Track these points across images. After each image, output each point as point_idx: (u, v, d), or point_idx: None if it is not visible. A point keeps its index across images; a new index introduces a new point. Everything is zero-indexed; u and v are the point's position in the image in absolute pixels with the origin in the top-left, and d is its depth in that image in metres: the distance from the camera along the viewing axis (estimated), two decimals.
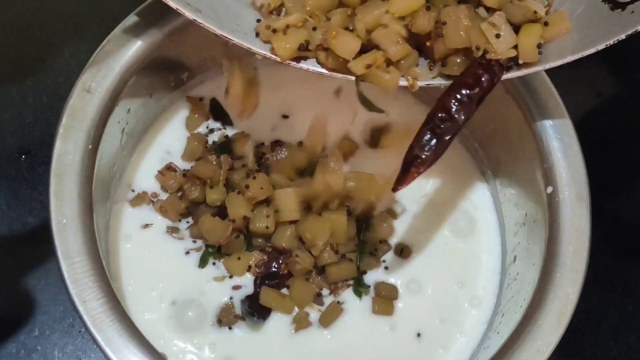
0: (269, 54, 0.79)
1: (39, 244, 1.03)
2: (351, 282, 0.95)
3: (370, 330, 0.94)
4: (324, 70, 0.79)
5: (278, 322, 0.92)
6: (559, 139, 0.88)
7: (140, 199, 0.97)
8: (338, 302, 0.94)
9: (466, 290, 0.97)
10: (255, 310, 0.91)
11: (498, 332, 0.90)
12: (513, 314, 0.87)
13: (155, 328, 0.90)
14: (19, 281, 1.01)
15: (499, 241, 1.00)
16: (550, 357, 0.80)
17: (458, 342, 0.94)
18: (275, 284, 0.92)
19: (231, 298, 0.93)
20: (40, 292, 1.00)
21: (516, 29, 0.75)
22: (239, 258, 0.93)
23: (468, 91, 0.72)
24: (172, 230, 0.96)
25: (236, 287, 0.93)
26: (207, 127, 1.03)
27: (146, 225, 0.96)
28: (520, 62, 0.76)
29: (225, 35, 0.78)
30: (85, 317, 0.76)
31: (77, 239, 0.78)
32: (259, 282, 0.93)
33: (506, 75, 0.76)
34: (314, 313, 0.93)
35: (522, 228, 0.96)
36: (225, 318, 0.91)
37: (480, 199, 1.03)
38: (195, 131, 1.02)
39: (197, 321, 0.91)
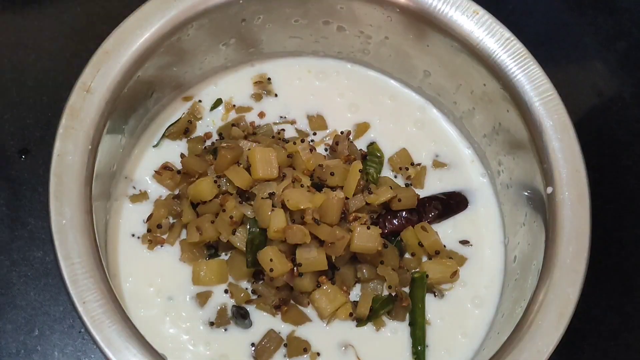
0: None
1: (39, 244, 1.03)
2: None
3: (369, 332, 0.94)
4: None
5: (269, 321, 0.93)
6: (559, 139, 0.88)
7: (140, 196, 0.97)
8: None
9: (468, 290, 0.97)
10: (245, 313, 0.92)
11: (498, 333, 0.90)
12: (513, 314, 0.87)
13: (152, 325, 0.90)
14: (18, 281, 1.01)
15: (501, 240, 1.01)
16: (550, 357, 0.80)
17: (459, 343, 0.94)
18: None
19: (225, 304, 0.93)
20: (41, 292, 1.00)
21: None
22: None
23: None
24: (172, 226, 0.96)
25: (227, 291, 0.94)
26: (207, 126, 1.03)
27: (146, 221, 0.96)
28: None
29: None
30: (85, 318, 0.76)
31: (76, 239, 0.79)
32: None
33: None
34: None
35: (522, 228, 0.96)
36: (219, 320, 0.92)
37: (481, 199, 1.03)
38: (194, 134, 1.03)
39: (193, 317, 0.92)
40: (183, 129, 1.01)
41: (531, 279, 0.87)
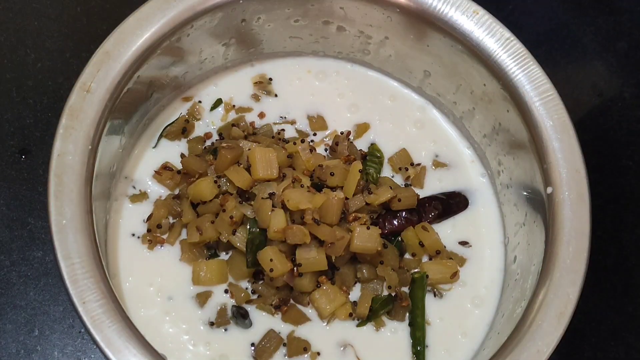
0: None
1: (38, 244, 1.03)
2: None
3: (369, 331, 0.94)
4: None
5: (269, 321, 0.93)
6: (559, 139, 0.89)
7: (140, 196, 0.97)
8: None
9: (468, 290, 0.97)
10: (245, 313, 0.92)
11: (498, 333, 0.90)
12: (513, 314, 0.87)
13: (152, 325, 0.90)
14: (18, 281, 1.01)
15: (501, 240, 1.01)
16: (550, 357, 0.80)
17: (459, 343, 0.94)
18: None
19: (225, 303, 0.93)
20: (40, 292, 1.00)
21: None
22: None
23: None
24: (171, 227, 0.96)
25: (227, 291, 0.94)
26: (207, 126, 1.03)
27: (146, 221, 0.96)
28: None
29: None
30: (85, 318, 0.76)
31: (76, 239, 0.79)
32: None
33: None
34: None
35: (522, 228, 0.96)
36: (219, 320, 0.91)
37: (481, 199, 1.03)
38: (193, 134, 1.03)
39: (193, 317, 0.92)
40: (180, 129, 1.01)
41: (531, 279, 0.87)
